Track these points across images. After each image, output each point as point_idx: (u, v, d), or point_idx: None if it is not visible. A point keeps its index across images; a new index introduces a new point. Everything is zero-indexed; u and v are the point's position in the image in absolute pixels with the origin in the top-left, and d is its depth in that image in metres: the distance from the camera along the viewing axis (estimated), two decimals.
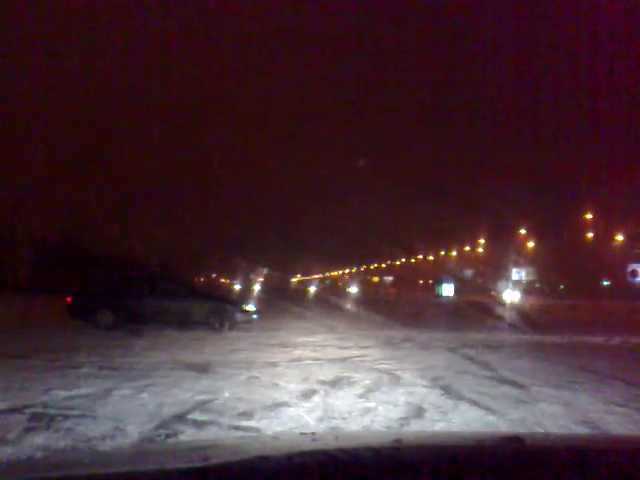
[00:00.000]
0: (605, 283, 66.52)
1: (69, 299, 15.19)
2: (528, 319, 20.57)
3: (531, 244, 74.94)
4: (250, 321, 15.33)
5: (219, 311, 14.91)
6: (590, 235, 67.12)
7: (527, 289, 57.18)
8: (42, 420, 5.28)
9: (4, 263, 39.99)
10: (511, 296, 44.19)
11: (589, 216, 66.49)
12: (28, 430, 4.94)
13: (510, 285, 52.05)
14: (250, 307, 15.80)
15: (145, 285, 15.33)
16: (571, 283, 68.02)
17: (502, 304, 33.90)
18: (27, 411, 5.65)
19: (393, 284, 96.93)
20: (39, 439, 4.68)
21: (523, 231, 75.17)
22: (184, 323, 14.54)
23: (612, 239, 65.80)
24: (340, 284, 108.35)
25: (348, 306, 31.74)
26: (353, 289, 66.87)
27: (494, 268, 73.90)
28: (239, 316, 15.07)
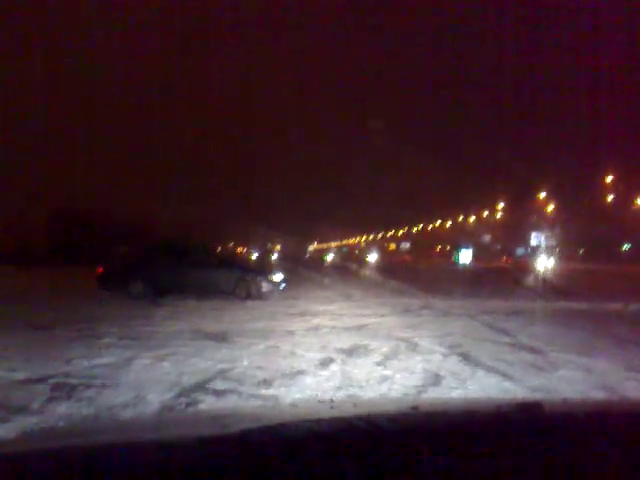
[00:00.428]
0: (625, 247, 65.96)
1: (100, 270, 15.42)
2: (552, 286, 20.44)
3: (551, 208, 74.37)
4: (278, 291, 15.24)
5: (246, 281, 14.84)
6: (610, 198, 66.40)
7: (561, 254, 54.02)
8: (64, 390, 5.38)
9: (26, 237, 40.49)
10: (545, 262, 41.19)
11: (609, 179, 65.73)
12: (51, 400, 5.03)
13: (543, 251, 48.16)
14: (277, 277, 15.67)
15: (174, 255, 15.40)
16: (592, 247, 67.33)
17: (527, 271, 33.23)
18: (50, 381, 5.75)
19: (408, 251, 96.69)
20: (62, 408, 4.77)
21: (543, 195, 74.56)
22: (212, 293, 14.48)
23: (633, 202, 65.05)
24: (357, 252, 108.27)
25: (365, 273, 31.78)
26: (372, 257, 66.23)
27: (514, 233, 73.51)
28: (266, 286, 15.00)
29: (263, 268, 18.55)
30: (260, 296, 14.66)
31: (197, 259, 15.24)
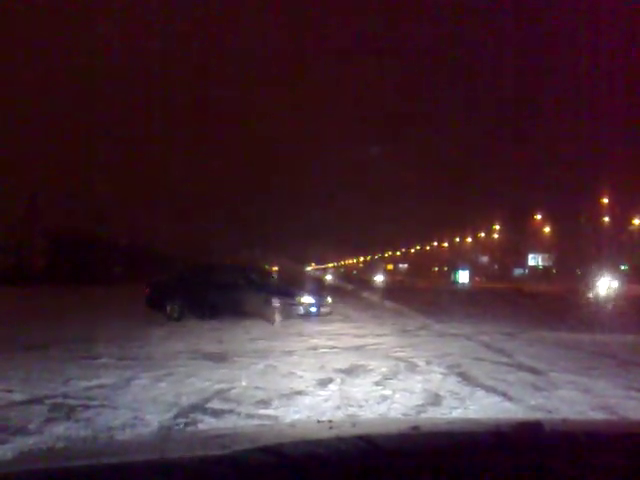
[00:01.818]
0: (622, 267, 65.97)
1: (147, 290, 15.59)
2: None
3: (547, 229, 74.58)
4: (308, 314, 14.32)
5: (271, 303, 14.08)
6: (606, 219, 66.49)
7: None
8: (62, 410, 5.35)
9: (21, 256, 40.41)
10: (607, 285, 33.30)
11: (605, 200, 65.87)
12: (49, 420, 5.00)
13: (604, 272, 37.59)
14: (307, 298, 14.69)
15: (208, 277, 15.48)
16: (588, 268, 67.24)
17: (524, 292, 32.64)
18: (47, 402, 5.72)
19: (405, 272, 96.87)
20: (60, 429, 4.74)
21: (539, 216, 74.76)
22: (241, 315, 14.00)
23: (629, 223, 65.19)
24: (354, 272, 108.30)
25: (363, 294, 31.70)
26: (379, 278, 65.62)
27: (514, 253, 73.45)
28: (296, 309, 14.32)
29: (289, 289, 16.18)
30: (290, 319, 13.84)
31: (228, 280, 15.10)
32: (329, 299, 15.93)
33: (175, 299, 14.63)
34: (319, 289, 17.61)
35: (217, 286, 14.81)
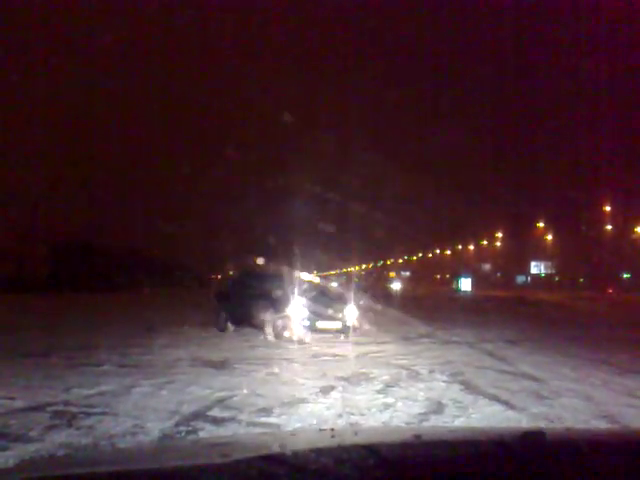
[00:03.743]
0: (625, 275, 65.91)
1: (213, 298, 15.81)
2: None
3: (550, 237, 74.57)
4: (304, 333, 12.36)
5: (265, 316, 12.81)
6: (609, 227, 66.45)
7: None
8: (64, 418, 5.33)
9: (23, 264, 40.46)
10: None
11: (608, 208, 65.82)
12: (50, 428, 4.99)
13: None
14: (299, 312, 12.66)
15: (239, 286, 15.39)
16: (591, 276, 67.19)
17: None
18: (49, 409, 5.71)
19: (408, 279, 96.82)
20: (61, 437, 4.72)
21: (541, 224, 74.78)
22: (254, 327, 13.26)
23: (631, 231, 65.14)
24: (356, 280, 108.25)
25: (363, 303, 31.66)
26: (396, 285, 65.38)
27: (516, 261, 73.36)
28: (285, 324, 12.53)
29: (278, 300, 13.23)
30: (279, 336, 12.25)
31: (251, 289, 14.40)
32: (348, 310, 13.41)
33: (221, 309, 14.62)
34: (322, 298, 14.48)
35: (245, 296, 14.33)
